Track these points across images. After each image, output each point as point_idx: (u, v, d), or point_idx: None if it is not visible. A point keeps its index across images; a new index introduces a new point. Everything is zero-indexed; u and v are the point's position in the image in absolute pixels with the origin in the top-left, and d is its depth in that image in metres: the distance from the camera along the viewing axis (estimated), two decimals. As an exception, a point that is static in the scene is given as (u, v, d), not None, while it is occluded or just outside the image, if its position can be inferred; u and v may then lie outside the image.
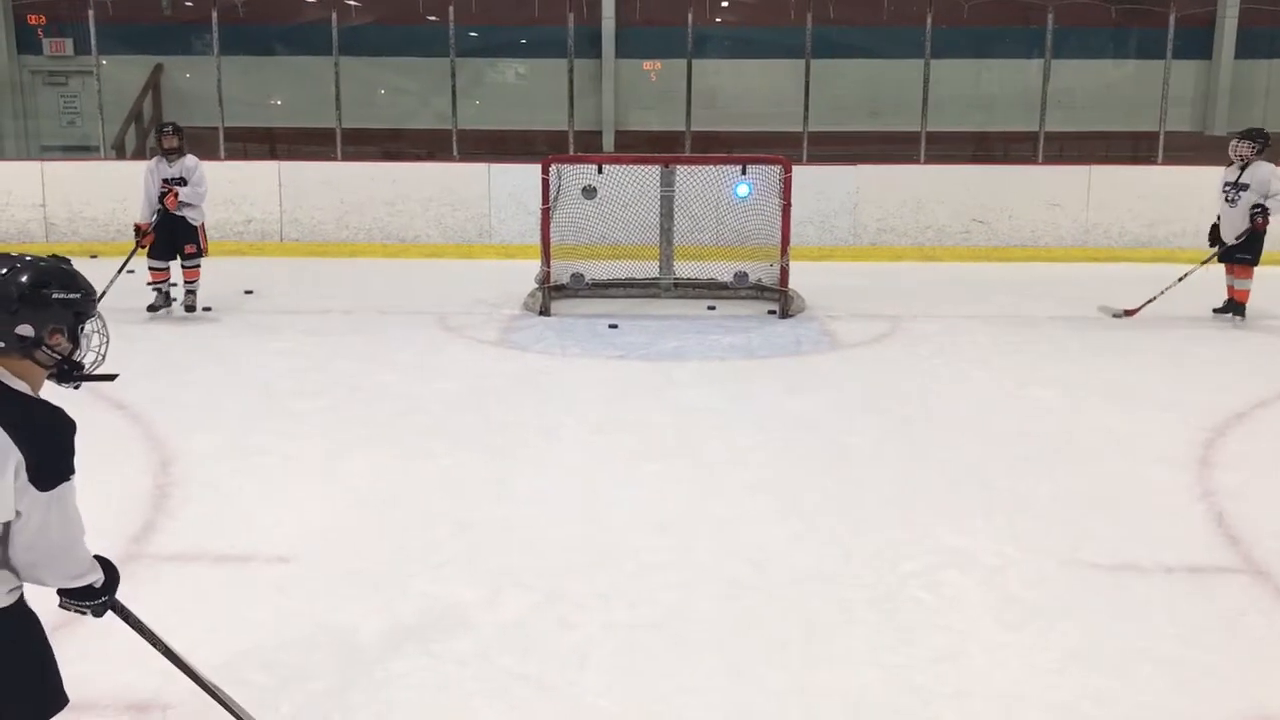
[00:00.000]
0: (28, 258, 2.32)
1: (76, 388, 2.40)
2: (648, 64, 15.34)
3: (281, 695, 3.09)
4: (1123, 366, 7.27)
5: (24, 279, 2.25)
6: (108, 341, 2.51)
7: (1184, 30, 12.98)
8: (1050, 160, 12.71)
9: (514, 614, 3.67)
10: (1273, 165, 8.49)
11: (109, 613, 2.42)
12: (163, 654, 2.60)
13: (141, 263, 8.59)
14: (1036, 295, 9.73)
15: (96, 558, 2.36)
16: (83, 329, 2.36)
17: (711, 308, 9.13)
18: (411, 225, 12.20)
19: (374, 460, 5.28)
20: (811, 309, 9.06)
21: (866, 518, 4.59)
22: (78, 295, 2.32)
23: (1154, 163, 12.54)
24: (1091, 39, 14.85)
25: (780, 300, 8.93)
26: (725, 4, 15.46)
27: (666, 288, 9.48)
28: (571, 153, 12.29)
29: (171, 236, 8.46)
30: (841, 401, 6.46)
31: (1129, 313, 8.56)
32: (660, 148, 12.89)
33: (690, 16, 12.74)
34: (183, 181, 8.40)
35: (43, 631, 2.29)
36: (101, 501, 4.69)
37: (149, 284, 8.60)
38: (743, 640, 3.53)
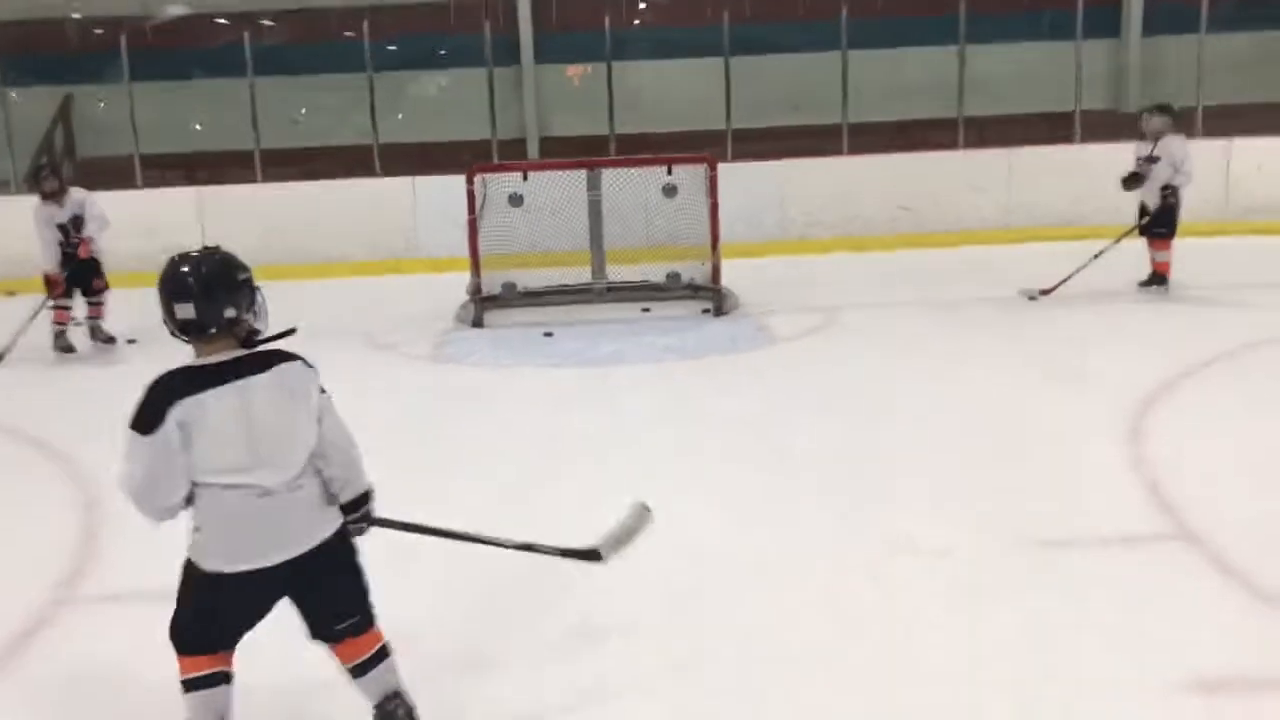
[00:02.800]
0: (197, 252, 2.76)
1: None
2: (572, 69, 15.32)
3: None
4: (1053, 344, 7.39)
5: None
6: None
7: (1092, 10, 13.25)
8: (971, 145, 12.89)
9: (457, 628, 3.63)
10: (1183, 137, 8.71)
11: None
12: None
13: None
14: (965, 278, 9.85)
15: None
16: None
17: (646, 310, 9.12)
18: (337, 244, 12.03)
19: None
20: (745, 305, 9.09)
21: (809, 511, 4.61)
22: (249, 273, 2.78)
23: (1072, 142, 12.78)
24: (1004, 23, 15.08)
25: (714, 299, 8.94)
26: (643, 5, 15.49)
27: (600, 292, 9.44)
28: (496, 162, 12.22)
29: (76, 274, 8.22)
30: (779, 396, 6.49)
31: (1045, 292, 8.70)
32: (586, 152, 12.81)
33: (607, 20, 12.74)
34: (80, 220, 8.13)
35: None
36: (25, 546, 4.59)
37: (56, 324, 8.30)
38: (685, 640, 3.52)
